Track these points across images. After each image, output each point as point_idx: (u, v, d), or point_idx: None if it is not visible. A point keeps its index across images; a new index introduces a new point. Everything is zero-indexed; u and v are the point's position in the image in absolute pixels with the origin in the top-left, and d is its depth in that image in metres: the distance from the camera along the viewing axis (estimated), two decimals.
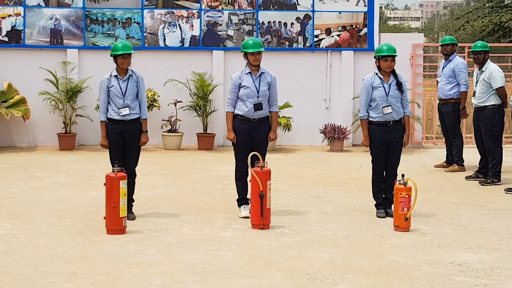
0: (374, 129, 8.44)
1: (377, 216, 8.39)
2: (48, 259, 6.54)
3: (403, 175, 7.84)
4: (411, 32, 64.33)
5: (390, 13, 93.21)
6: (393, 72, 8.45)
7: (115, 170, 7.52)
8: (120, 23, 14.43)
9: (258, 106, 8.28)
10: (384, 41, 13.84)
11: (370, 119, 8.45)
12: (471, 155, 11.97)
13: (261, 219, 7.70)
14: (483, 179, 10.81)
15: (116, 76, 8.23)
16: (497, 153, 10.73)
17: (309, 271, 6.26)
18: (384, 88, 8.38)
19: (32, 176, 10.96)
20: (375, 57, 8.40)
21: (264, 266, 6.41)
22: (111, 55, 8.22)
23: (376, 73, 8.45)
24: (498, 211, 8.82)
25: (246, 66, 8.38)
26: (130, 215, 8.03)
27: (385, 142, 8.40)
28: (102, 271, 6.20)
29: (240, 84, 8.30)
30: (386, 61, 8.34)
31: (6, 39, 14.22)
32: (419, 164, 12.53)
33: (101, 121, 8.28)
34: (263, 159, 8.01)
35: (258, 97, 8.28)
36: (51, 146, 14.18)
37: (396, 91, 8.39)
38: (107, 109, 8.22)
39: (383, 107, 8.35)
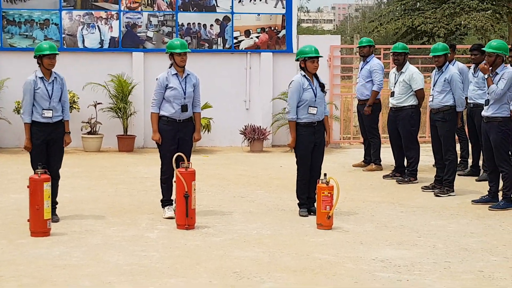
0: (301, 130, 8.49)
1: (300, 215, 8.53)
2: None
3: (325, 174, 8.01)
4: (324, 34, 65.13)
5: (304, 15, 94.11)
6: (314, 74, 8.59)
7: (39, 172, 7.43)
8: (38, 24, 14.19)
9: (184, 108, 8.31)
10: (302, 43, 14.01)
11: (298, 120, 8.50)
12: (388, 155, 12.25)
13: (186, 219, 7.75)
14: (400, 178, 11.08)
15: (41, 78, 8.12)
16: (415, 152, 11.01)
17: (236, 270, 6.34)
18: (313, 89, 8.49)
19: None
20: (298, 59, 8.51)
21: (191, 265, 6.47)
22: (35, 56, 8.10)
23: (304, 75, 8.54)
24: (416, 209, 9.10)
25: (170, 67, 8.38)
26: (54, 217, 7.93)
27: (311, 143, 8.50)
28: (28, 274, 6.14)
29: (167, 85, 8.29)
30: (313, 63, 8.44)
31: None
32: (338, 164, 12.77)
33: (25, 123, 8.11)
34: (188, 160, 8.05)
35: (185, 98, 8.31)
36: None
37: (320, 92, 8.54)
38: (32, 111, 8.11)
39: (309, 107, 8.45)
